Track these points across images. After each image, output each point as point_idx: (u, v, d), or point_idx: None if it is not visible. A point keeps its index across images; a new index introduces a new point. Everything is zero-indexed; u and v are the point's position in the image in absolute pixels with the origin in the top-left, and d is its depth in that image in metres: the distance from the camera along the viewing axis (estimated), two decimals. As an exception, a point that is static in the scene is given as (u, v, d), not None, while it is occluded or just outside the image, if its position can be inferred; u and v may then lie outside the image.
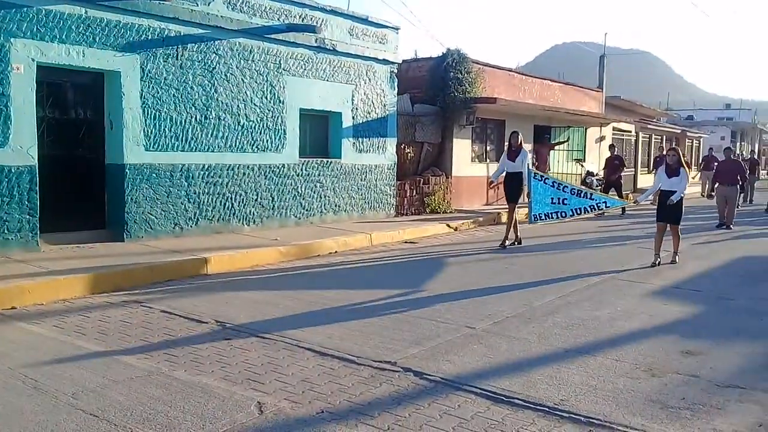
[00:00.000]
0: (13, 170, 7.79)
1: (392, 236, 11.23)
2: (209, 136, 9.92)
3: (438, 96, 15.41)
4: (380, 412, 3.90)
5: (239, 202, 10.45)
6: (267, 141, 10.84)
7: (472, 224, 13.65)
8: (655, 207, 9.68)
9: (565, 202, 9.91)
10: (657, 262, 9.05)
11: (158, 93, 9.21)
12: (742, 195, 19.06)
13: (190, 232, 9.70)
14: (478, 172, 16.30)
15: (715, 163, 19.23)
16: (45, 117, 8.32)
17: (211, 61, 9.87)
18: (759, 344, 5.49)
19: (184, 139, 9.59)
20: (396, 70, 13.48)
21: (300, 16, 11.09)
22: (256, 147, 10.67)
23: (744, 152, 25.98)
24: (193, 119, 9.69)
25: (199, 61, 9.70)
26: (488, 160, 16.93)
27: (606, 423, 3.81)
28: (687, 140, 34.65)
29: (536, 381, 4.45)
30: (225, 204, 10.23)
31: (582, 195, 10.04)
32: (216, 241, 9.36)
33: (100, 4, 8.45)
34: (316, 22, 11.28)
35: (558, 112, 18.73)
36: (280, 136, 11.05)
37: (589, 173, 18.49)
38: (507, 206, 11.01)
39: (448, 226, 12.86)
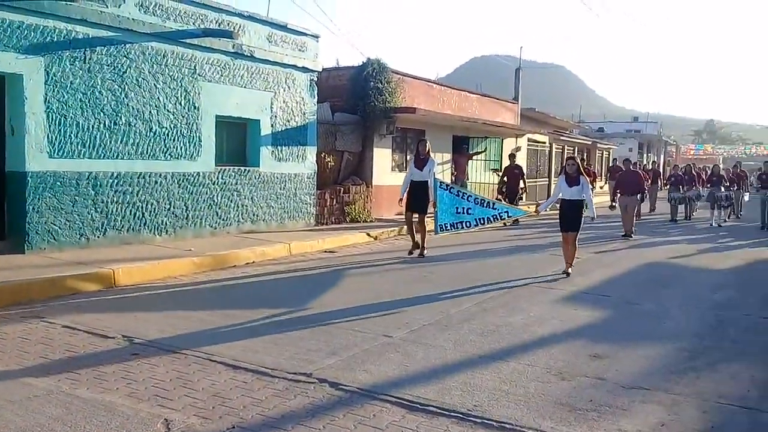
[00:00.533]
0: None
1: (312, 246, 11.12)
2: (119, 142, 9.53)
3: (358, 105, 15.44)
4: (294, 425, 3.82)
5: (151, 212, 10.08)
6: (181, 148, 10.53)
7: (392, 233, 13.72)
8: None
9: (470, 211, 9.89)
10: (568, 272, 9.21)
11: (64, 97, 8.78)
12: (644, 204, 19.86)
13: (98, 243, 9.27)
14: (398, 182, 16.27)
15: (672, 177, 20.34)
16: (-64, 121, 7.78)
17: (122, 65, 9.51)
18: (661, 347, 5.74)
19: (91, 145, 9.18)
20: (316, 79, 13.41)
21: (216, 21, 10.86)
22: (170, 154, 10.34)
23: (647, 163, 27.24)
24: (102, 125, 9.29)
25: (108, 65, 9.32)
26: (408, 170, 17.07)
27: (517, 427, 3.87)
28: (598, 151, 36.21)
29: (451, 387, 4.48)
30: (135, 214, 9.84)
31: (485, 205, 10.02)
32: (125, 252, 8.99)
33: (2, 3, 7.98)
34: (233, 28, 11.08)
35: (476, 122, 19.15)
36: (195, 144, 10.76)
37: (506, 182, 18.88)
38: (416, 216, 10.58)
39: (368, 235, 12.87)
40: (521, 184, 16.99)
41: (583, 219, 9.24)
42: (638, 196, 15.26)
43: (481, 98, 21.87)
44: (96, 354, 5.04)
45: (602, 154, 37.11)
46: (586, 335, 6.04)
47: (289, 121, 12.72)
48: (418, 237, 10.62)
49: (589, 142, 34.39)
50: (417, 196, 10.50)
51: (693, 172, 21.06)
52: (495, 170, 20.34)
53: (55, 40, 8.63)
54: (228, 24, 11.06)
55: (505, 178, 17.19)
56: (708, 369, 5.14)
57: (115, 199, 9.52)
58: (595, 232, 14.82)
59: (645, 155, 46.03)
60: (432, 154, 10.82)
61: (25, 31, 8.29)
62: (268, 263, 9.68)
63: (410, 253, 10.51)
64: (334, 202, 14.36)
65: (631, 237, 14.36)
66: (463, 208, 9.87)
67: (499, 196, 16.67)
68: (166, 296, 7.29)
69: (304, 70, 12.98)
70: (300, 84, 12.94)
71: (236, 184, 11.59)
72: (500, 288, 8.14)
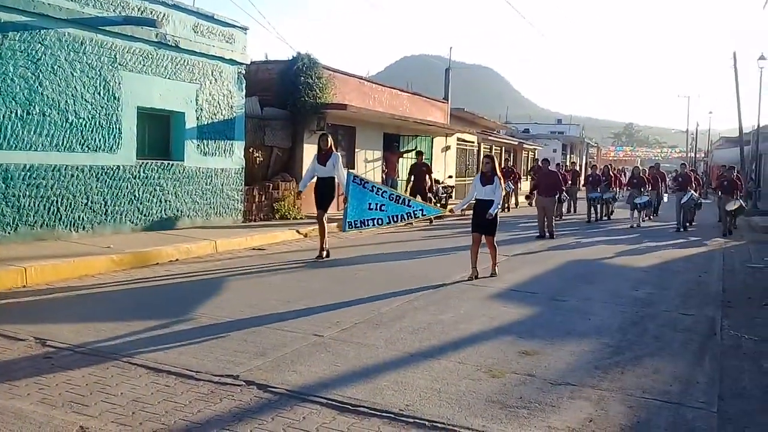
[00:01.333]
0: None
1: (239, 243, 10.85)
2: (32, 133, 8.99)
3: (288, 100, 15.20)
4: (219, 429, 3.65)
5: (66, 207, 9.56)
6: (99, 140, 10.04)
7: (322, 230, 13.53)
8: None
9: (383, 208, 9.09)
10: (475, 276, 8.65)
11: (-30, 83, 8.20)
12: (564, 205, 19.92)
13: (8, 239, 8.71)
14: (328, 178, 16.24)
15: (590, 177, 20.37)
16: None
17: (36, 52, 8.97)
18: (586, 343, 5.85)
19: (2, 136, 8.61)
20: (244, 72, 13.10)
21: (139, 9, 10.41)
22: (87, 147, 9.84)
23: (569, 164, 27.71)
24: (14, 114, 8.74)
25: (21, 51, 8.77)
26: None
27: (449, 426, 3.84)
28: (524, 152, 37.09)
29: (383, 387, 4.41)
30: (50, 208, 9.31)
31: (400, 201, 9.27)
32: (39, 249, 8.48)
33: None
34: (157, 16, 10.66)
35: (407, 121, 19.21)
36: (114, 136, 10.28)
37: (436, 181, 19.08)
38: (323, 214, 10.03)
39: (298, 232, 12.67)
40: (428, 183, 16.53)
41: (498, 220, 8.86)
42: (556, 196, 15.22)
43: (412, 97, 21.97)
44: (5, 358, 4.70)
45: (528, 154, 38.05)
46: (515, 332, 6.10)
47: (215, 115, 12.36)
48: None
49: (516, 143, 35.20)
50: (322, 193, 10.07)
51: (611, 173, 21.20)
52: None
53: (-39, 22, 8.05)
54: (151, 12, 10.64)
55: (412, 177, 16.64)
56: (631, 364, 5.27)
57: (27, 193, 8.97)
58: (516, 234, 15.12)
59: (568, 156, 47.49)
60: (335, 149, 10.28)
61: (-73, 11, 7.70)
62: (193, 261, 9.36)
63: (320, 256, 9.88)
64: (263, 199, 14.08)
65: (553, 237, 14.21)
66: (376, 204, 9.09)
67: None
68: (82, 296, 6.91)
69: (232, 62, 12.65)
70: (227, 76, 12.60)
71: (159, 178, 11.16)
72: (430, 286, 8.14)
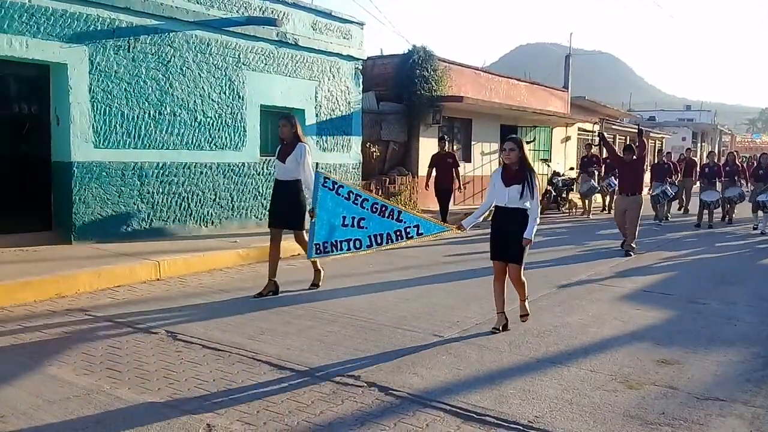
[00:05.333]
0: (-52, 168, 7.24)
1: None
2: (164, 132, 9.44)
3: (404, 94, 15.15)
4: (341, 434, 3.58)
5: (196, 203, 9.98)
6: (226, 138, 10.40)
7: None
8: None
9: (363, 224, 6.36)
10: (501, 327, 5.66)
11: (108, 87, 8.71)
12: (665, 206, 15.90)
13: (143, 234, 9.21)
14: (444, 172, 16.04)
15: (706, 169, 15.81)
16: (-16, 112, 7.78)
17: (166, 54, 9.40)
18: (734, 352, 5.31)
19: (136, 135, 9.10)
20: (361, 67, 13.15)
21: (260, 9, 10.67)
22: (215, 145, 10.22)
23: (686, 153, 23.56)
24: (147, 115, 9.21)
25: (152, 54, 9.22)
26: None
27: (584, 443, 3.55)
28: (650, 141, 35.06)
29: (509, 395, 4.17)
30: (181, 204, 9.76)
31: (387, 214, 6.27)
32: (171, 243, 8.89)
33: (46, -9, 7.94)
34: (277, 16, 10.88)
35: (525, 111, 18.63)
36: (239, 134, 10.62)
37: (556, 173, 18.30)
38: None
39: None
40: (456, 181, 12.61)
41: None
42: (639, 195, 10.56)
43: (530, 86, 21.28)
44: (139, 351, 4.89)
45: (654, 143, 35.93)
46: (650, 338, 5.64)
47: (333, 111, 12.49)
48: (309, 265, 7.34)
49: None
50: (280, 204, 6.93)
51: (737, 163, 16.46)
52: (545, 160, 19.77)
53: (99, 28, 8.55)
54: (272, 12, 10.86)
55: (434, 170, 12.73)
56: (789, 378, 4.70)
57: (160, 190, 9.45)
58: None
59: (699, 145, 44.49)
60: (304, 137, 7.11)
61: (69, 20, 8.23)
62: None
63: (261, 294, 6.74)
64: (379, 193, 14.09)
65: (629, 255, 10.21)
66: (353, 218, 6.39)
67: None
68: (211, 291, 7.13)
69: (349, 58, 12.72)
70: (345, 73, 12.69)
71: (281, 174, 11.41)
72: (552, 285, 7.75)
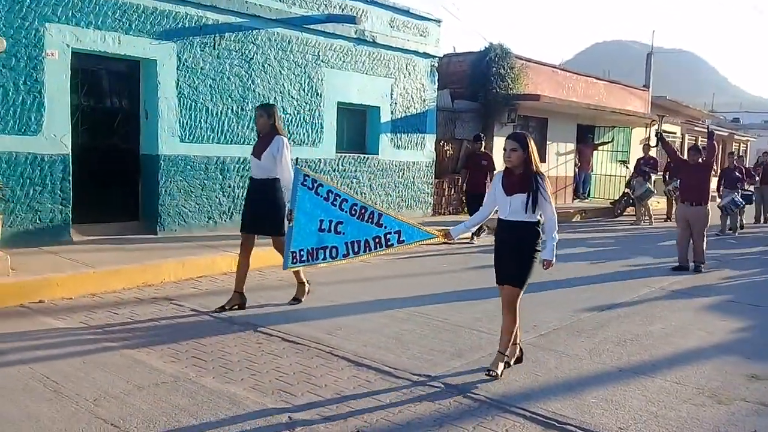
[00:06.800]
0: (46, 159, 7.66)
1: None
2: (245, 128, 9.68)
3: (479, 92, 15.01)
4: (420, 434, 3.58)
5: (274, 197, 10.19)
6: (304, 135, 10.58)
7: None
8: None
9: (340, 229, 5.57)
10: (517, 357, 4.81)
11: (194, 83, 9.00)
12: (736, 216, 14.16)
13: (224, 226, 9.48)
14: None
15: (737, 173, 14.16)
16: (80, 105, 8.17)
17: (249, 51, 9.63)
18: (833, 370, 5.01)
19: (219, 131, 9.38)
20: (437, 65, 13.11)
21: (340, 7, 10.79)
22: (293, 141, 10.37)
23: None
24: (230, 111, 9.47)
25: (236, 51, 9.46)
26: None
27: (672, 458, 3.43)
28: (734, 143, 33.57)
29: (590, 404, 4.08)
30: (259, 198, 9.99)
31: (367, 217, 5.46)
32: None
33: (138, -10, 8.27)
34: (356, 13, 10.96)
35: (603, 111, 18.13)
36: (317, 130, 10.78)
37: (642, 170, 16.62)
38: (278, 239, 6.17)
39: (488, 227, 12.43)
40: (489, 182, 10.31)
41: (534, 261, 4.57)
42: (706, 205, 9.00)
43: (609, 85, 20.70)
44: (222, 341, 5.04)
45: (739, 146, 34.35)
46: (738, 351, 5.40)
47: (408, 108, 12.50)
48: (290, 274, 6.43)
49: (725, 133, 31.94)
50: (254, 206, 6.09)
51: None
52: (623, 162, 19.17)
53: (187, 26, 8.84)
54: (351, 9, 10.96)
55: (467, 172, 11.32)
56: None
57: (241, 185, 9.68)
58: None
59: (788, 148, 42.21)
60: (283, 130, 6.28)
61: (159, 17, 8.54)
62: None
63: (223, 308, 5.92)
64: (452, 192, 14.04)
65: (700, 270, 8.97)
66: (330, 221, 5.61)
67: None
68: (288, 284, 7.26)
69: (425, 56, 12.71)
70: (420, 70, 12.68)
71: (356, 171, 11.53)
72: (631, 292, 7.52)
